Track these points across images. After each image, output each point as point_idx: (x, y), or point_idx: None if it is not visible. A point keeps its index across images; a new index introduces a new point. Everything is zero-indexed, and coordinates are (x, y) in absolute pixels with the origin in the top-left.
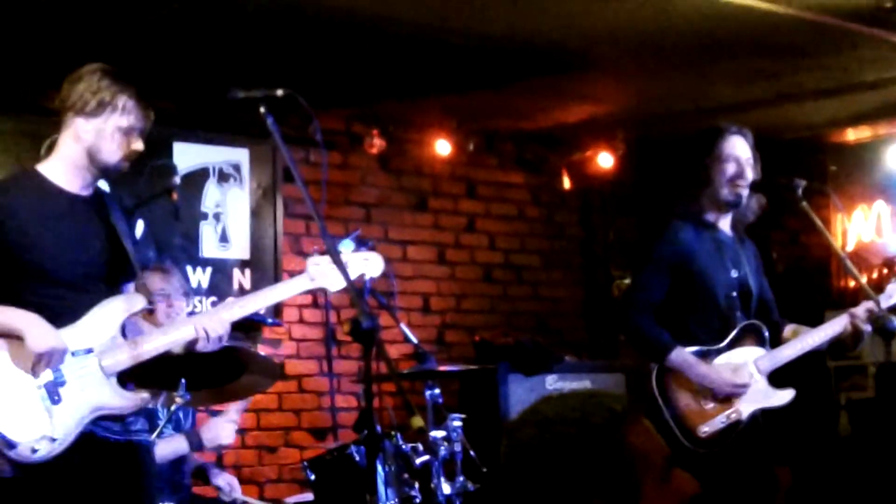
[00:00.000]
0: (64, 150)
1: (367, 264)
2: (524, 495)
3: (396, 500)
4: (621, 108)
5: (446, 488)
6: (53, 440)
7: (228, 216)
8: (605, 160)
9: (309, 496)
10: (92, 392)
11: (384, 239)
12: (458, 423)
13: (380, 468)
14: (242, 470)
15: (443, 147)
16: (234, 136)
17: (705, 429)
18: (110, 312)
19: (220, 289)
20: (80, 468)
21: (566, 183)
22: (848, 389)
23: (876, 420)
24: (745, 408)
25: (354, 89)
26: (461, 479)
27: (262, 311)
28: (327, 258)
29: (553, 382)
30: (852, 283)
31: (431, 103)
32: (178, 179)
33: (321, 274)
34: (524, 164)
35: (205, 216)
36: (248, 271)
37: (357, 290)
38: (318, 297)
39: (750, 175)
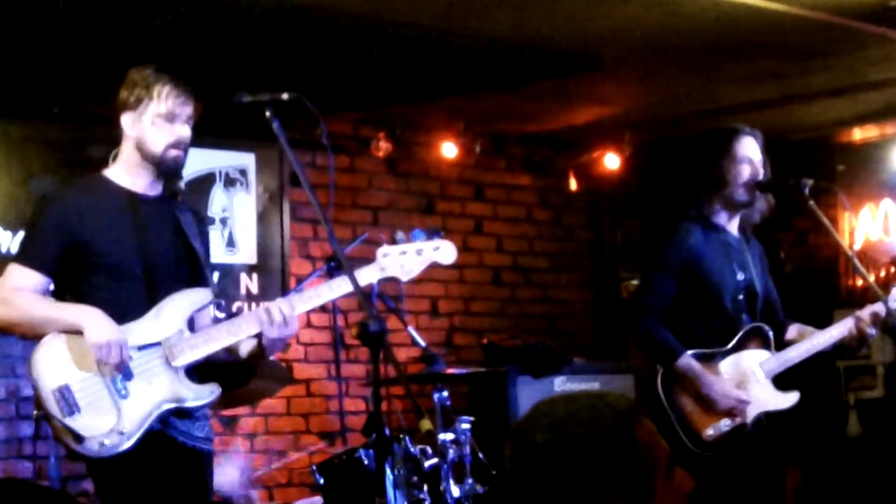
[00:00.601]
0: (123, 151)
1: (439, 253)
2: (537, 498)
3: (406, 503)
4: (628, 109)
5: (455, 491)
6: (122, 434)
7: (235, 221)
8: (611, 162)
9: (318, 500)
10: (159, 385)
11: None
12: (466, 426)
13: (389, 471)
14: (252, 473)
15: (450, 150)
16: (241, 140)
17: (710, 432)
18: (177, 306)
19: (227, 294)
20: (149, 465)
21: (573, 185)
22: (857, 389)
23: (885, 420)
24: (750, 411)
25: (362, 93)
26: (470, 481)
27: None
28: (397, 247)
29: (562, 384)
30: (860, 282)
31: (438, 106)
32: (182, 184)
33: (391, 264)
34: (532, 167)
35: (212, 221)
36: (255, 276)
37: (365, 293)
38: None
39: (762, 177)
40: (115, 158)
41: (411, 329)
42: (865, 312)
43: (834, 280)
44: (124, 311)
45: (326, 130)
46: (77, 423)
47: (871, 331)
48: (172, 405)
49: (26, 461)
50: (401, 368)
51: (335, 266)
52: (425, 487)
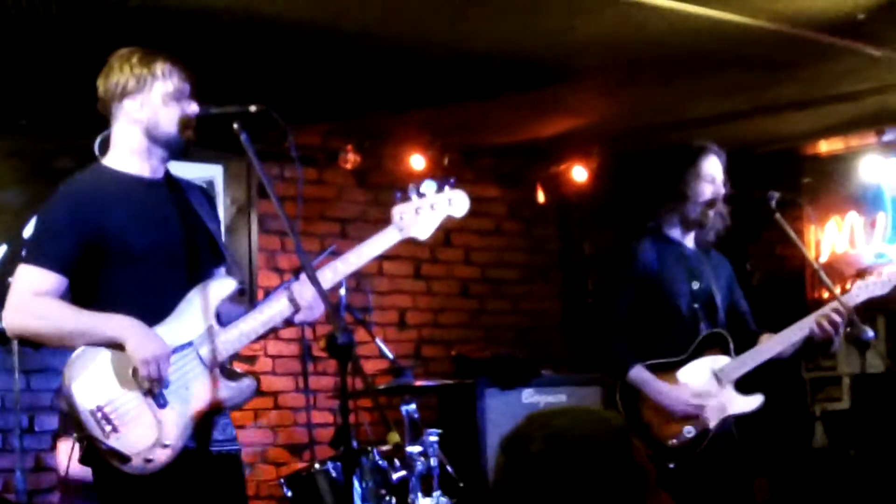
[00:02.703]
0: (121, 139)
1: (453, 207)
2: None
3: None
4: (597, 121)
5: (423, 503)
6: (166, 446)
7: None
8: (580, 174)
9: None
10: (198, 387)
11: None
12: (434, 438)
13: (357, 484)
14: None
15: (418, 162)
16: (209, 152)
17: (673, 441)
18: (203, 300)
19: None
20: (179, 480)
21: (541, 197)
22: (823, 401)
23: (851, 431)
24: (712, 416)
25: (331, 104)
26: (438, 493)
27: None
28: (411, 205)
29: (530, 396)
30: (827, 294)
31: (407, 118)
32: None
33: (409, 224)
34: (501, 178)
35: None
36: None
37: (332, 305)
38: None
39: (720, 197)
40: (104, 148)
41: (379, 341)
42: (826, 309)
43: (801, 292)
44: (150, 305)
45: (294, 142)
46: (120, 442)
47: (833, 328)
48: (213, 405)
49: None
50: (369, 381)
51: None
52: (393, 500)
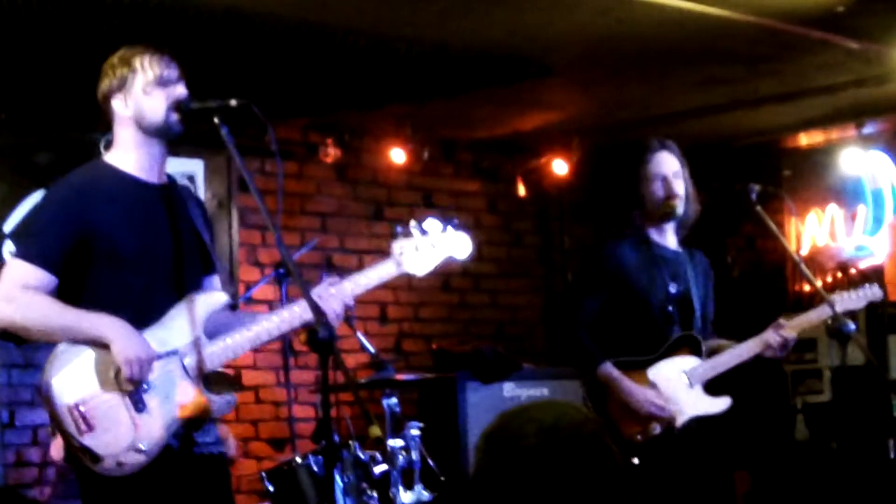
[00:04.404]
0: (119, 137)
1: (455, 250)
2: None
3: None
4: (577, 115)
5: (404, 497)
6: (140, 451)
7: None
8: (560, 167)
9: None
10: (179, 396)
11: (340, 248)
12: (416, 432)
13: (338, 478)
14: None
15: (398, 156)
16: (189, 146)
17: (639, 437)
18: (191, 311)
19: None
20: (164, 481)
21: (521, 190)
22: (804, 393)
23: (832, 423)
24: (678, 416)
25: (311, 99)
26: (419, 487)
27: None
28: (413, 242)
29: (511, 390)
30: (807, 287)
31: (387, 112)
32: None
33: (408, 260)
34: (481, 173)
35: None
36: None
37: (313, 300)
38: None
39: (679, 188)
40: (108, 145)
41: (360, 335)
42: (781, 322)
43: (781, 284)
44: (134, 308)
45: (275, 137)
46: (94, 441)
47: (779, 352)
48: (190, 418)
49: None
50: (350, 375)
51: (284, 272)
52: (374, 494)
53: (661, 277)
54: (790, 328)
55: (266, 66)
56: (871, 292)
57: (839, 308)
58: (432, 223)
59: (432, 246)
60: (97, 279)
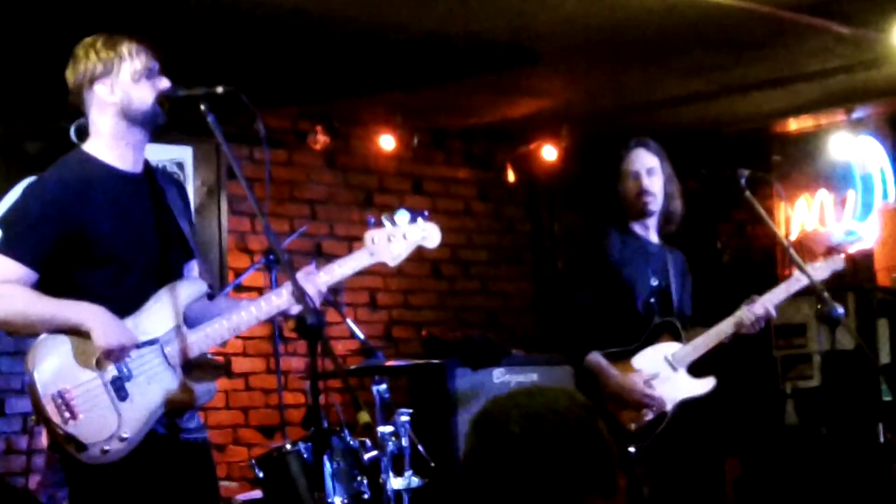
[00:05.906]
0: (98, 125)
1: (425, 239)
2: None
3: (345, 496)
4: (567, 102)
5: (395, 484)
6: (123, 439)
7: None
8: (549, 154)
9: (258, 494)
10: (160, 385)
11: (330, 236)
12: (405, 419)
13: (328, 464)
14: None
15: (388, 143)
16: (178, 134)
17: (633, 425)
18: (172, 299)
19: None
20: (149, 467)
21: (511, 177)
22: (794, 378)
23: (822, 408)
24: (668, 400)
25: (300, 87)
26: (410, 474)
27: None
28: (384, 232)
29: (501, 376)
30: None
31: (376, 100)
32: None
33: (381, 249)
34: (471, 160)
35: None
36: None
37: (300, 288)
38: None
39: (654, 185)
40: (81, 133)
41: (350, 322)
42: (756, 307)
43: (771, 270)
44: (116, 299)
45: (263, 124)
46: (78, 429)
47: (762, 312)
48: (174, 405)
49: None
50: (339, 362)
51: (273, 259)
52: (364, 480)
53: (646, 271)
54: (761, 303)
55: (256, 55)
56: (835, 262)
57: (804, 279)
58: (402, 215)
59: (403, 236)
60: (78, 270)
